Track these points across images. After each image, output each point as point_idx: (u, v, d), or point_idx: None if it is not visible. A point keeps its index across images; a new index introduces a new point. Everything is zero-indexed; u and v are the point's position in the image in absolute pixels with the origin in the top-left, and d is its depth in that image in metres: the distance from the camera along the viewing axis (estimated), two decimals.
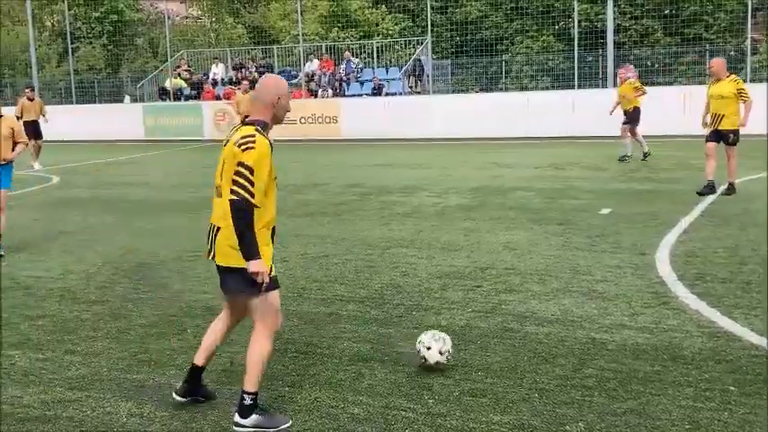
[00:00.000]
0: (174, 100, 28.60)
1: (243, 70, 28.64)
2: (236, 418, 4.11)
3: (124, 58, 36.52)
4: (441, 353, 4.75)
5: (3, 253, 8.45)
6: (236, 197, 3.93)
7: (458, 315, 5.85)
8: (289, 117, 19.74)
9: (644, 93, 16.10)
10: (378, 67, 27.94)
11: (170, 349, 5.33)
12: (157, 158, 21.08)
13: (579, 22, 24.88)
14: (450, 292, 6.49)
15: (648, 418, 4.04)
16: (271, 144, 4.10)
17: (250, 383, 4.10)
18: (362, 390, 4.53)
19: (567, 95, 22.84)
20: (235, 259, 4.04)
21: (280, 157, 16.63)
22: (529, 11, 28.60)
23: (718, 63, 11.65)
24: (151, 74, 31.64)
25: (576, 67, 23.64)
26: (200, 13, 38.78)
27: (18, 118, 19.19)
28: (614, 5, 24.14)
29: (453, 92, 28.01)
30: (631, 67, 18.49)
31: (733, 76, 11.57)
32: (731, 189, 11.23)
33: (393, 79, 26.37)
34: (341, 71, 27.15)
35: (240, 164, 3.97)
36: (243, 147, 4.00)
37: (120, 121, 28.40)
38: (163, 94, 29.41)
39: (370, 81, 26.17)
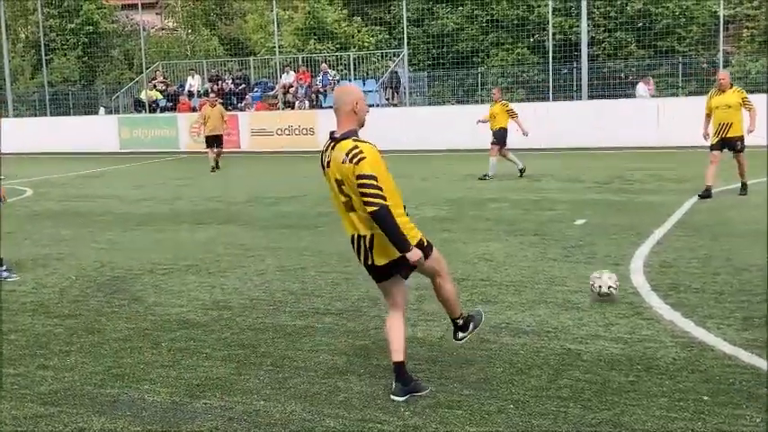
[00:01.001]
0: (150, 112, 28.46)
1: (219, 82, 28.57)
2: (459, 334, 5.06)
3: (99, 69, 36.29)
4: (611, 286, 6.26)
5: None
6: (374, 207, 4.33)
7: (434, 327, 5.86)
8: (264, 129, 19.54)
9: (515, 116, 16.07)
10: (355, 79, 27.97)
11: (144, 363, 5.28)
12: (132, 171, 20.96)
13: (554, 34, 25.08)
14: (427, 303, 6.48)
15: (623, 429, 4.06)
16: (372, 145, 4.47)
17: (457, 311, 5.00)
18: (338, 403, 4.52)
19: (542, 107, 22.99)
20: (394, 252, 4.52)
21: (257, 169, 16.59)
22: (504, 24, 28.80)
23: (727, 75, 12.21)
24: (126, 85, 31.46)
25: (550, 80, 23.82)
26: (175, 24, 38.64)
27: None
28: (588, 18, 24.38)
29: (430, 104, 28.10)
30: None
31: (735, 87, 12.12)
32: (745, 189, 11.94)
33: (370, 91, 26.40)
34: (317, 83, 27.15)
35: (360, 176, 4.30)
36: (355, 160, 4.31)
37: (94, 133, 28.19)
38: (138, 105, 29.25)
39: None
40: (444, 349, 5.35)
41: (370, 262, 4.65)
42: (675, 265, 7.53)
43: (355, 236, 4.68)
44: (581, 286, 6.84)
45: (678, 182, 13.75)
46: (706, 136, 12.20)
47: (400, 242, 4.46)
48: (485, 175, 15.64)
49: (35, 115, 32.35)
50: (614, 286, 6.30)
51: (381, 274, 4.72)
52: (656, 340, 5.39)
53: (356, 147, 4.33)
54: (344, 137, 4.40)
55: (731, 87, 11.97)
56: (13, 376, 5.12)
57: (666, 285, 6.79)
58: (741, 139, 11.88)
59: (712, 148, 12.00)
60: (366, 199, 4.32)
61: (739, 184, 12.10)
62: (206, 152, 20.48)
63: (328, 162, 4.46)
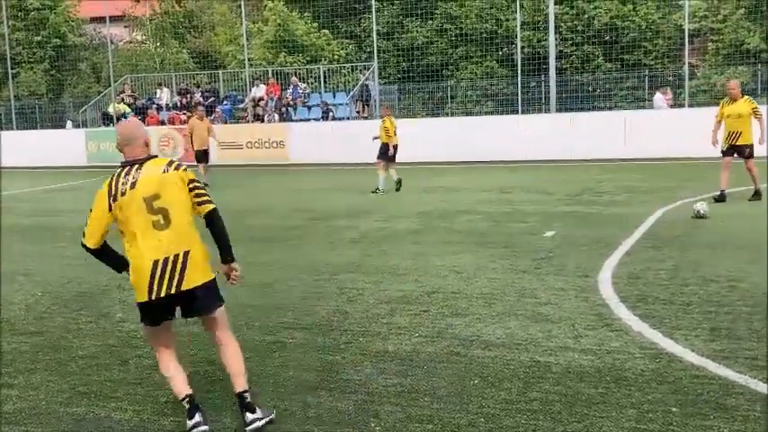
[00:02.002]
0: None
1: (188, 95, 28.43)
2: (249, 416, 4.29)
3: (66, 82, 35.93)
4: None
5: None
6: (213, 205, 4.49)
7: (405, 340, 5.85)
8: (235, 142, 19.29)
9: (394, 135, 16.36)
10: (325, 91, 27.97)
11: (111, 381, 5.21)
12: (100, 185, 20.72)
13: (522, 48, 25.29)
14: (398, 317, 6.48)
15: None
16: None
17: (243, 382, 4.40)
18: (308, 419, 4.49)
19: (512, 120, 23.16)
20: (207, 273, 4.40)
21: (226, 182, 16.46)
22: (473, 37, 28.97)
23: (736, 85, 12.81)
24: (94, 99, 31.19)
25: (519, 93, 23.99)
26: (144, 37, 38.39)
27: None
28: (556, 32, 24.62)
29: (400, 117, 28.14)
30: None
31: (746, 96, 12.76)
32: (758, 195, 12.44)
33: (340, 104, 26.43)
34: (288, 96, 27.11)
35: (191, 180, 4.39)
36: (180, 168, 4.41)
37: (62, 147, 27.91)
38: (106, 119, 29.00)
39: (318, 106, 26.18)
40: (415, 363, 5.33)
41: (176, 289, 4.22)
42: (643, 277, 7.59)
43: (160, 261, 4.24)
44: (550, 298, 6.87)
45: (647, 193, 13.89)
46: (715, 143, 12.85)
47: (229, 247, 4.64)
48: (376, 189, 15.91)
49: (1, 129, 31.95)
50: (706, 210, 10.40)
51: (193, 304, 4.37)
52: (625, 352, 5.42)
53: (172, 161, 4.45)
54: (151, 157, 4.45)
55: (742, 97, 12.58)
56: None
57: (635, 297, 6.84)
58: (750, 146, 12.49)
59: (724, 153, 12.67)
60: (203, 198, 4.44)
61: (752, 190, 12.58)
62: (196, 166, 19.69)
63: (132, 184, 4.36)
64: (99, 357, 5.72)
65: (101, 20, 33.70)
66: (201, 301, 4.34)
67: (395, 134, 16.46)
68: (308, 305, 6.99)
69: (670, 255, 8.60)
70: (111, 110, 28.62)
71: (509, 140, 22.24)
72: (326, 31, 30.78)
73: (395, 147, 16.38)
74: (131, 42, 38.83)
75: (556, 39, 24.66)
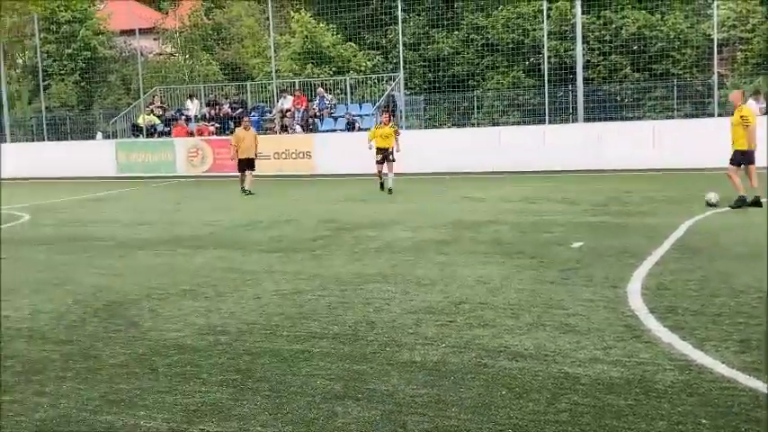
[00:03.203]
0: (147, 136, 28.52)
1: (216, 106, 28.66)
2: None
3: (97, 94, 36.40)
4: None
5: None
6: None
7: (432, 351, 5.84)
8: (262, 153, 19.62)
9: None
10: (351, 102, 28.09)
11: (140, 389, 5.25)
12: (130, 195, 20.97)
13: (549, 58, 25.24)
14: (424, 327, 6.47)
15: None
16: None
17: None
18: (336, 428, 4.49)
19: (538, 130, 23.10)
20: None
21: (255, 193, 16.50)
22: (499, 47, 28.96)
23: (733, 96, 13.86)
24: (124, 110, 31.56)
25: (546, 102, 23.94)
26: (173, 49, 38.80)
27: None
28: (583, 42, 24.54)
29: (426, 127, 28.20)
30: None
31: (742, 105, 13.38)
32: (740, 201, 12.86)
33: (366, 115, 26.52)
34: (314, 107, 27.25)
35: None
36: None
37: (92, 157, 28.27)
38: (135, 130, 29.32)
39: (344, 117, 26.29)
40: (442, 373, 5.32)
41: None
42: (673, 288, 7.53)
43: None
44: (579, 309, 6.83)
45: (675, 203, 13.79)
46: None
47: None
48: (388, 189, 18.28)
49: (32, 140, 32.41)
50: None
51: None
52: (655, 363, 5.37)
53: None
54: None
55: (742, 106, 13.26)
56: (9, 403, 5.08)
57: (664, 308, 6.78)
58: (742, 153, 13.06)
59: (730, 161, 13.35)
60: None
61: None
62: (238, 176, 20.50)
63: None
64: (128, 366, 5.77)
65: (131, 32, 34.15)
66: None
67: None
68: (334, 314, 7.01)
69: (699, 265, 8.52)
70: (140, 121, 28.95)
71: (536, 150, 22.21)
72: (353, 43, 30.92)
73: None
74: (161, 54, 39.26)
75: (583, 48, 24.58)
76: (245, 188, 19.56)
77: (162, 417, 4.74)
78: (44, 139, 30.95)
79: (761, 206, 12.65)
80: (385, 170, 18.72)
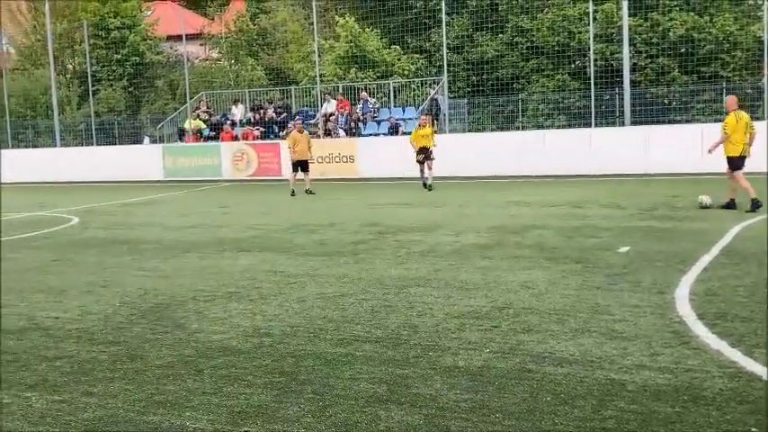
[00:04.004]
0: (194, 141, 28.87)
1: (261, 111, 28.90)
2: None
3: (144, 99, 36.96)
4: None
5: None
6: None
7: (475, 356, 5.81)
8: (311, 159, 19.73)
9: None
10: (395, 106, 28.12)
11: (186, 390, 5.31)
12: (176, 199, 21.24)
13: (595, 60, 24.98)
14: (468, 332, 6.44)
15: None
16: None
17: None
18: None
19: (584, 133, 22.87)
20: None
21: (297, 197, 16.72)
22: (544, 50, 28.73)
23: (727, 100, 14.19)
24: (171, 115, 31.99)
25: (592, 106, 23.69)
26: (219, 55, 39.25)
27: None
28: (630, 44, 24.25)
29: (470, 131, 28.10)
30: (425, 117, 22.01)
31: (734, 111, 13.71)
32: (730, 205, 13.46)
33: (410, 118, 26.52)
34: (358, 111, 27.34)
35: None
36: None
37: (139, 162, 28.71)
38: (182, 135, 29.69)
39: (387, 120, 26.33)
40: (486, 379, 5.29)
41: None
42: (722, 293, 7.39)
43: None
44: (625, 315, 6.75)
45: (724, 208, 13.53)
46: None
47: None
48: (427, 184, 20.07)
49: (81, 145, 33.01)
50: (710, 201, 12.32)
51: None
52: (703, 370, 5.28)
53: None
54: None
55: (732, 111, 13.73)
56: (58, 403, 5.18)
57: (713, 314, 6.66)
58: (729, 159, 13.70)
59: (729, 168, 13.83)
60: None
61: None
62: (286, 179, 21.48)
63: None
64: (174, 367, 5.84)
65: (177, 38, 34.62)
66: None
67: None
68: (377, 318, 7.01)
69: (749, 271, 8.36)
70: (186, 126, 29.30)
71: (581, 154, 22.00)
72: (397, 47, 30.95)
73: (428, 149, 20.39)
74: (207, 60, 39.75)
75: (630, 51, 24.28)
76: (308, 188, 20.45)
77: (207, 418, 4.79)
78: (93, 144, 31.50)
79: (735, 209, 13.29)
80: (426, 172, 20.25)
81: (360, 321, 6.93)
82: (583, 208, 14.65)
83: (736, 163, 13.62)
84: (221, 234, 13.16)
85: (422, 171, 20.57)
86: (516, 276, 8.57)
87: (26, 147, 34.21)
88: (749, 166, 14.00)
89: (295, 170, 20.85)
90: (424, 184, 20.21)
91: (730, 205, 13.49)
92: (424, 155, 20.33)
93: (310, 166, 21.38)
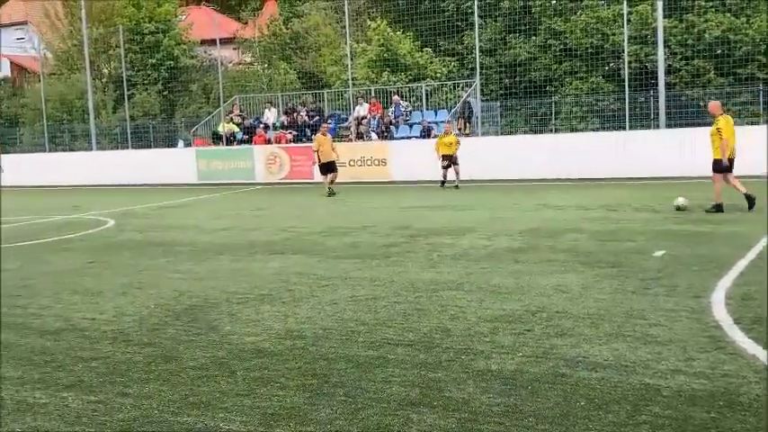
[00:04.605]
0: (227, 144, 29.10)
1: (294, 114, 29.04)
2: None
3: (178, 103, 37.31)
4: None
5: None
6: None
7: (508, 359, 5.78)
8: (338, 160, 20.15)
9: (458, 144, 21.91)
10: (427, 109, 28.10)
11: (220, 392, 5.35)
12: (210, 202, 21.41)
13: (629, 62, 24.77)
14: (501, 335, 6.41)
15: None
16: None
17: None
18: None
19: (618, 136, 22.67)
20: None
21: (329, 199, 16.80)
22: (578, 52, 28.55)
23: (711, 106, 14.42)
24: (204, 119, 32.27)
25: (626, 108, 23.48)
26: (252, 59, 39.52)
27: None
28: (665, 46, 24.00)
29: (502, 133, 28.00)
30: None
31: (722, 116, 13.89)
32: (716, 208, 13.72)
33: (442, 121, 26.48)
34: (390, 114, 27.35)
35: None
36: None
37: (173, 165, 28.99)
38: (216, 138, 29.93)
39: (419, 124, 26.32)
40: (519, 383, 5.26)
41: None
42: (759, 298, 7.28)
43: None
44: (660, 319, 6.67)
45: (760, 212, 13.35)
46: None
47: None
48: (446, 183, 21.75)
49: (117, 148, 33.41)
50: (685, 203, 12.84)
51: None
52: (739, 375, 5.20)
53: None
54: None
55: (721, 116, 13.87)
56: (94, 403, 5.24)
57: (749, 319, 6.57)
58: (714, 161, 13.88)
59: (721, 171, 13.99)
60: None
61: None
62: (320, 182, 22.12)
63: None
64: (208, 369, 5.88)
65: (211, 42, 34.94)
66: None
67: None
68: (409, 321, 7.01)
69: None
70: (220, 129, 29.52)
71: (615, 157, 21.82)
72: (429, 49, 30.94)
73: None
74: (240, 64, 40.03)
75: (665, 53, 24.04)
76: (332, 189, 21.04)
77: (240, 420, 4.82)
78: (128, 147, 31.87)
79: (722, 212, 13.55)
80: (451, 175, 21.82)
81: (392, 324, 6.93)
82: (617, 211, 14.52)
83: (721, 166, 13.82)
84: (254, 237, 13.24)
85: (445, 176, 21.95)
86: (549, 280, 8.52)
87: (63, 150, 34.70)
88: (751, 169, 14.52)
89: (323, 173, 21.52)
90: (442, 183, 21.92)
91: (718, 207, 13.78)
92: (449, 161, 21.69)
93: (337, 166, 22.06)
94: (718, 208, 13.64)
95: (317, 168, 22.60)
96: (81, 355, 6.40)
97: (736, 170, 14.07)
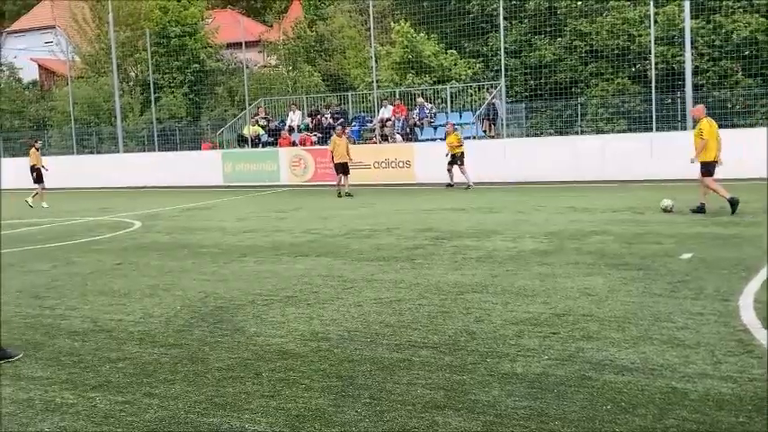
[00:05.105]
0: (252, 146, 29.23)
1: (318, 116, 29.11)
2: None
3: (204, 106, 37.54)
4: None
5: None
6: None
7: (534, 362, 5.75)
8: (362, 162, 20.38)
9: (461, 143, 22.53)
10: (452, 111, 28.05)
11: (245, 393, 5.37)
12: (234, 204, 21.51)
13: (656, 64, 24.57)
14: (526, 338, 6.39)
15: None
16: None
17: None
18: None
19: (645, 138, 22.50)
20: None
21: (353, 202, 16.84)
22: (604, 53, 28.37)
23: (694, 110, 15.09)
24: (230, 121, 32.44)
25: (653, 110, 23.29)
26: (277, 61, 39.68)
27: (33, 166, 23.56)
28: (692, 47, 23.78)
29: (527, 135, 27.89)
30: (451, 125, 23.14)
31: (705, 119, 14.24)
32: (699, 209, 14.08)
33: (467, 123, 26.43)
34: (414, 116, 27.34)
35: None
36: None
37: (199, 167, 29.17)
38: (241, 140, 30.08)
39: (444, 126, 26.29)
40: (545, 386, 5.24)
41: None
42: None
43: None
44: (688, 323, 6.61)
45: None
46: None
47: None
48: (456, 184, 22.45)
49: (143, 151, 33.68)
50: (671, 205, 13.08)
51: None
52: None
53: None
54: None
55: (704, 119, 14.25)
56: (121, 403, 5.28)
57: None
58: (702, 164, 14.11)
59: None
60: None
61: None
62: (333, 184, 22.80)
63: None
64: (234, 370, 5.91)
65: (237, 45, 35.12)
66: None
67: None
68: (434, 324, 7.00)
69: None
70: (245, 132, 29.67)
71: (642, 159, 21.66)
72: (453, 51, 30.89)
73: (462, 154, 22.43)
74: (265, 66, 40.20)
75: (692, 54, 23.81)
76: (346, 191, 21.63)
77: (266, 421, 4.84)
78: (155, 150, 32.11)
79: (704, 212, 13.93)
80: (461, 175, 22.28)
81: (417, 327, 6.93)
82: (644, 214, 14.41)
83: (708, 168, 14.11)
84: (278, 239, 13.29)
85: (450, 177, 22.66)
86: (576, 283, 8.48)
87: (90, 153, 35.06)
88: (752, 172, 14.55)
89: (338, 173, 22.11)
90: (449, 185, 22.76)
91: (700, 209, 14.07)
92: (452, 161, 22.40)
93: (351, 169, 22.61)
94: (699, 208, 14.05)
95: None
96: (108, 355, 6.46)
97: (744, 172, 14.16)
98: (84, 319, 7.81)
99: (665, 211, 14.37)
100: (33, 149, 24.07)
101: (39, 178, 23.57)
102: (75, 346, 6.80)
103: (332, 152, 22.25)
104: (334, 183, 22.46)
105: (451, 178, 22.66)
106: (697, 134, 14.27)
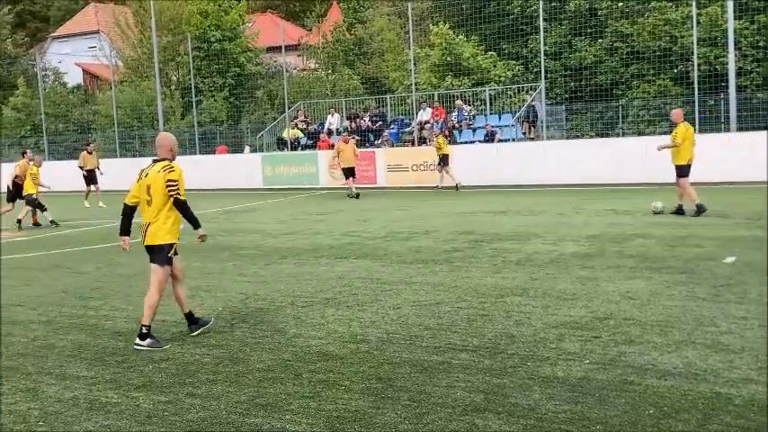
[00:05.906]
0: (292, 149, 29.40)
1: (356, 120, 29.20)
2: (192, 327, 7.25)
3: (244, 109, 37.84)
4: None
5: None
6: (175, 196, 7.07)
7: (575, 366, 5.71)
8: (401, 165, 20.35)
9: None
10: (491, 113, 27.95)
11: (286, 394, 5.41)
12: (275, 206, 21.65)
13: (699, 65, 24.23)
14: (567, 342, 6.34)
15: None
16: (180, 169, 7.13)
17: (186, 308, 7.34)
18: None
19: None
20: (154, 240, 7.13)
21: (392, 204, 16.76)
22: (645, 55, 28.04)
23: (673, 113, 15.48)
24: (270, 124, 32.66)
25: (696, 112, 22.96)
26: (316, 65, 39.87)
27: (81, 167, 24.81)
28: (735, 48, 23.40)
29: (568, 137, 27.66)
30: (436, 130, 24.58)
31: (682, 123, 14.84)
32: (679, 211, 14.65)
33: (506, 126, 26.31)
34: (453, 119, 27.29)
35: (168, 180, 6.96)
36: (166, 170, 7.01)
37: (240, 170, 29.42)
38: (281, 143, 30.27)
39: (483, 128, 26.20)
40: (586, 390, 5.20)
41: (142, 242, 7.08)
42: None
43: (145, 224, 7.07)
44: (731, 327, 6.52)
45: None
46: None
47: (194, 220, 7.52)
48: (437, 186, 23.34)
49: (185, 154, 34.04)
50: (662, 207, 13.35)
51: (149, 253, 7.12)
52: None
53: (169, 165, 7.06)
54: (160, 160, 7.08)
55: (680, 123, 14.80)
56: (164, 403, 5.35)
57: None
58: (677, 167, 14.73)
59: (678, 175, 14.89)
60: (170, 192, 6.97)
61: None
62: (344, 187, 23.56)
63: (146, 174, 7.02)
64: (274, 371, 5.96)
65: (277, 49, 35.35)
66: (151, 255, 7.10)
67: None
68: (474, 327, 6.98)
69: None
70: (285, 135, 29.86)
71: None
72: (493, 53, 30.77)
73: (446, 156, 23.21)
74: (305, 70, 40.41)
75: (736, 55, 23.43)
76: (354, 192, 22.50)
77: (306, 422, 4.87)
78: (196, 153, 32.45)
79: (683, 214, 14.43)
80: (447, 178, 23.25)
81: (456, 330, 6.92)
82: (686, 217, 14.22)
83: (683, 171, 14.60)
84: (318, 241, 13.35)
85: (441, 178, 23.47)
86: (617, 286, 8.40)
87: (132, 156, 35.51)
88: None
89: (346, 177, 23.03)
90: (437, 187, 23.53)
91: (679, 211, 14.60)
92: (441, 163, 23.23)
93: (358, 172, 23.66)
94: (700, 208, 14.35)
95: (381, 174, 23.40)
96: (151, 356, 6.55)
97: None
98: (127, 320, 7.93)
99: (655, 212, 14.80)
100: (84, 152, 25.55)
101: (90, 180, 24.78)
102: (119, 347, 6.91)
103: (338, 158, 23.20)
104: (375, 186, 23.03)
105: (441, 179, 23.43)
106: (673, 136, 14.85)
